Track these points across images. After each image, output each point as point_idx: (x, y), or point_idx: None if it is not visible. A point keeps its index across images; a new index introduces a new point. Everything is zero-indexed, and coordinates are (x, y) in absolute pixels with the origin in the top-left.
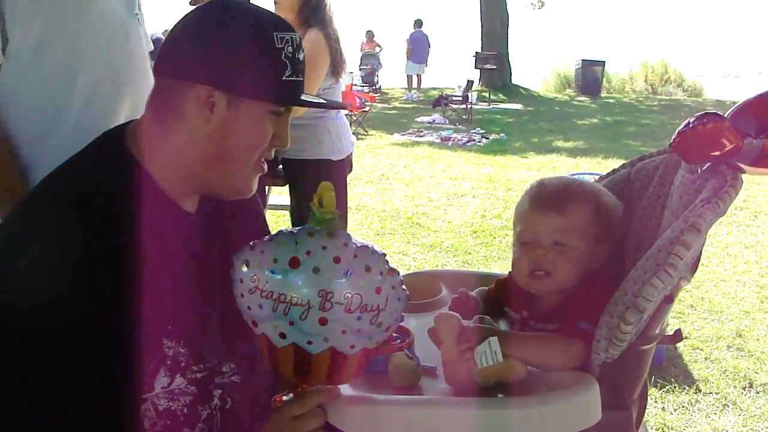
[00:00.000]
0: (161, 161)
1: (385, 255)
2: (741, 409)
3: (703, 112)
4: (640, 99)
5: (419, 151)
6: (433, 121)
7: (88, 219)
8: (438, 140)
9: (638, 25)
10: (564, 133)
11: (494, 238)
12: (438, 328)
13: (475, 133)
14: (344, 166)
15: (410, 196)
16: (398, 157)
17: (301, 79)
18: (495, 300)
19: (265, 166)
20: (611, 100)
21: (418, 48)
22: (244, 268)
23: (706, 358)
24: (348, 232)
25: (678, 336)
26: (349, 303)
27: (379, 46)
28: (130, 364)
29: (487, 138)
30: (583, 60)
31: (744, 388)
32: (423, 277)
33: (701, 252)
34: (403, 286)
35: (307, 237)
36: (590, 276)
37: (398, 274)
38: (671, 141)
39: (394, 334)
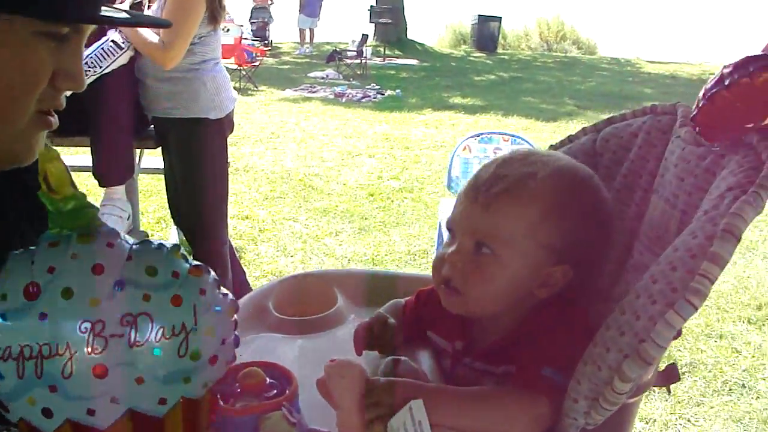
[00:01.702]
0: None
1: (178, 248)
2: (667, 395)
3: (746, 57)
4: (536, 56)
5: (312, 107)
6: (327, 76)
7: None
8: (332, 96)
9: None
10: (461, 89)
11: (392, 201)
12: (331, 384)
13: (370, 89)
14: (223, 125)
15: (302, 155)
16: (290, 113)
17: None
18: (415, 319)
19: (54, 120)
20: (507, 57)
21: (311, 1)
22: None
23: None
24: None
25: (674, 374)
26: (132, 331)
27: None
28: None
29: (383, 94)
30: (479, 15)
31: None
32: (310, 280)
33: None
34: (223, 290)
35: (48, 248)
36: (551, 300)
37: (208, 272)
38: (694, 110)
39: (269, 380)
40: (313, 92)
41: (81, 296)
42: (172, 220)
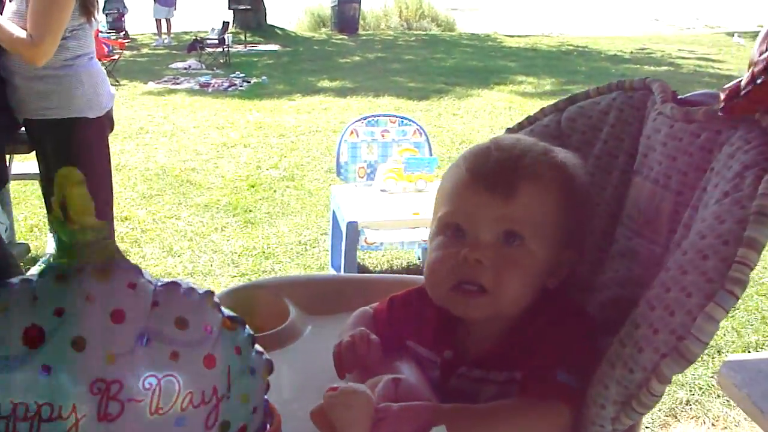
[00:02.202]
0: None
1: (212, 294)
2: None
3: None
4: (397, 35)
5: (178, 99)
6: (189, 66)
7: None
8: (197, 87)
9: None
10: (328, 72)
11: (275, 191)
12: (335, 415)
13: (235, 77)
14: (104, 124)
15: (175, 150)
16: (156, 107)
17: None
18: (390, 329)
19: None
20: (369, 38)
21: None
22: None
23: None
24: (136, 263)
25: None
26: (155, 396)
27: None
28: None
29: (249, 82)
30: None
31: None
32: (255, 292)
33: None
34: (258, 348)
35: (55, 284)
36: (552, 296)
37: (243, 326)
38: (721, 101)
39: None
40: (177, 84)
41: (95, 348)
42: (48, 228)
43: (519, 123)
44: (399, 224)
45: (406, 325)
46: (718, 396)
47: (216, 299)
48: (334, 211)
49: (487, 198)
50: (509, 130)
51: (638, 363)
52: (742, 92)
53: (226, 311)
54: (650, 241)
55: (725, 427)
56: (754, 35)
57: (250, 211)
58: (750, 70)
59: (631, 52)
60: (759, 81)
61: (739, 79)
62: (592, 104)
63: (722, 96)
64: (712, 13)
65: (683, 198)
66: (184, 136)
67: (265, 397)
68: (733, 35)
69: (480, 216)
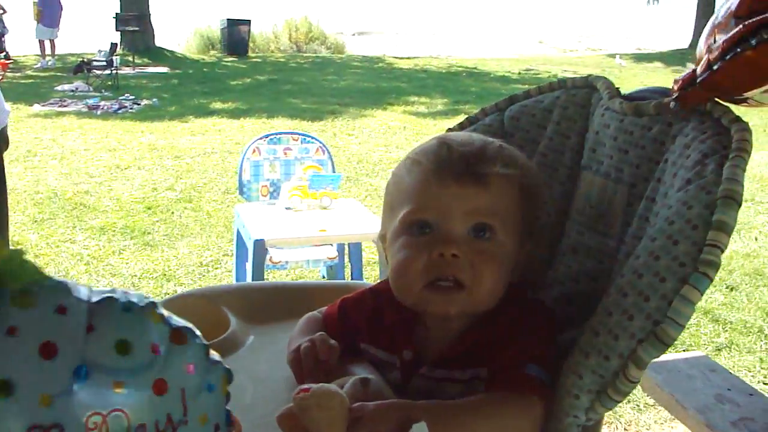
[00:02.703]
0: None
1: (153, 305)
2: None
3: None
4: (288, 57)
5: (66, 122)
6: (77, 89)
7: None
8: (85, 109)
9: None
10: (219, 94)
11: (172, 213)
12: (307, 417)
13: (124, 99)
14: None
15: (66, 173)
16: (43, 130)
17: None
18: (343, 333)
19: None
20: (260, 60)
21: (49, 10)
22: None
23: None
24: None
25: None
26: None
27: (3, 9)
28: None
29: (139, 104)
30: (228, 19)
31: None
32: (192, 301)
33: None
34: (213, 355)
35: None
36: (515, 291)
37: (195, 335)
38: (703, 72)
39: None
40: (65, 106)
41: (26, 392)
42: None
43: (459, 123)
44: (306, 241)
45: (358, 328)
46: (628, 401)
47: (160, 310)
48: (238, 230)
49: (456, 190)
50: (449, 131)
51: (614, 350)
52: (698, 80)
53: (174, 320)
54: (603, 235)
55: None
56: (634, 57)
57: (147, 233)
58: (705, 59)
59: (519, 73)
60: (715, 67)
61: (691, 69)
62: (535, 102)
63: (675, 87)
64: (594, 36)
65: (637, 190)
66: (75, 159)
67: (227, 407)
68: (615, 57)
69: (450, 209)
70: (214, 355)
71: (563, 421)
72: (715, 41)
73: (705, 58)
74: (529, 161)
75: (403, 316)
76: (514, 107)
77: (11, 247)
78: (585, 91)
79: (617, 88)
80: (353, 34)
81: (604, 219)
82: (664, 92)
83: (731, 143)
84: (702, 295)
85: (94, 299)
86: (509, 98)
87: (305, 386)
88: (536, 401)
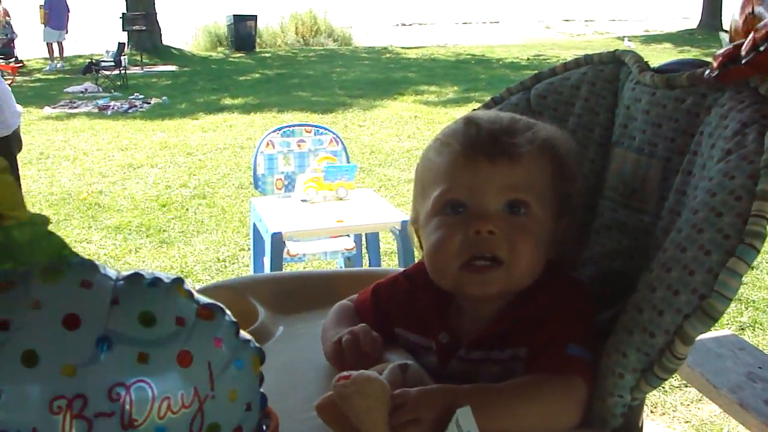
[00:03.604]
0: None
1: (181, 282)
2: None
3: None
4: (295, 51)
5: (77, 123)
6: (86, 90)
7: None
8: (95, 110)
9: None
10: (228, 90)
11: (186, 210)
12: (348, 405)
13: (134, 99)
14: (11, 143)
15: (79, 174)
16: (55, 132)
17: None
18: (378, 319)
19: None
20: (267, 55)
21: (56, 12)
22: None
23: None
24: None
25: None
26: (126, 407)
27: (7, 14)
28: None
29: (149, 103)
30: (234, 15)
31: None
32: (220, 293)
33: None
34: (243, 334)
35: None
36: (552, 269)
37: (223, 312)
38: (714, 68)
39: None
40: (75, 108)
41: (49, 362)
42: None
43: (485, 104)
44: (324, 232)
45: (394, 313)
46: None
47: (187, 287)
48: (255, 224)
49: (489, 168)
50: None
51: (659, 326)
52: (744, 59)
53: (203, 299)
54: (638, 211)
55: (664, 413)
56: (643, 38)
57: (163, 231)
58: (750, 37)
59: (528, 59)
60: (762, 48)
61: (730, 45)
62: (561, 80)
63: (715, 63)
64: (600, 20)
65: (672, 164)
66: (88, 160)
67: (261, 390)
68: (623, 39)
69: (484, 187)
70: (246, 335)
71: (608, 401)
72: (753, 12)
73: (751, 36)
74: (564, 133)
75: (438, 299)
76: (540, 85)
77: (42, 224)
78: (612, 66)
79: (646, 62)
80: (396, 25)
81: (638, 195)
82: (695, 63)
83: None
84: (749, 267)
85: (122, 277)
86: (534, 76)
87: (345, 374)
88: (580, 382)
